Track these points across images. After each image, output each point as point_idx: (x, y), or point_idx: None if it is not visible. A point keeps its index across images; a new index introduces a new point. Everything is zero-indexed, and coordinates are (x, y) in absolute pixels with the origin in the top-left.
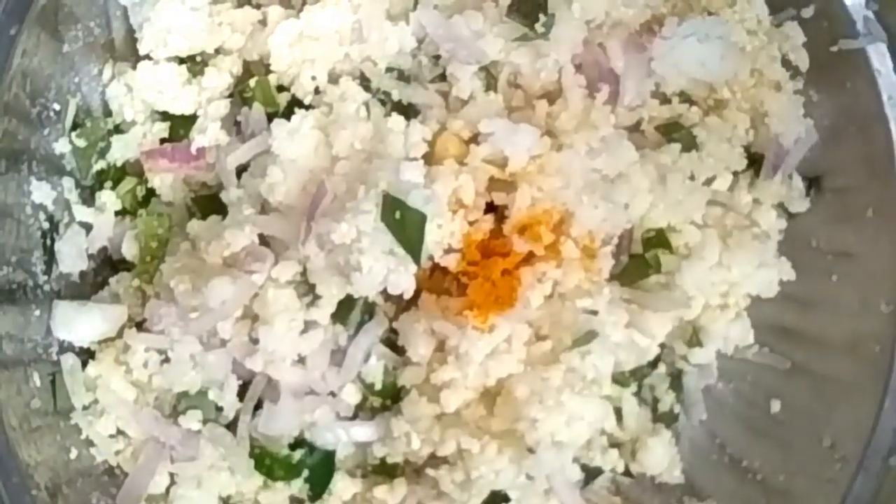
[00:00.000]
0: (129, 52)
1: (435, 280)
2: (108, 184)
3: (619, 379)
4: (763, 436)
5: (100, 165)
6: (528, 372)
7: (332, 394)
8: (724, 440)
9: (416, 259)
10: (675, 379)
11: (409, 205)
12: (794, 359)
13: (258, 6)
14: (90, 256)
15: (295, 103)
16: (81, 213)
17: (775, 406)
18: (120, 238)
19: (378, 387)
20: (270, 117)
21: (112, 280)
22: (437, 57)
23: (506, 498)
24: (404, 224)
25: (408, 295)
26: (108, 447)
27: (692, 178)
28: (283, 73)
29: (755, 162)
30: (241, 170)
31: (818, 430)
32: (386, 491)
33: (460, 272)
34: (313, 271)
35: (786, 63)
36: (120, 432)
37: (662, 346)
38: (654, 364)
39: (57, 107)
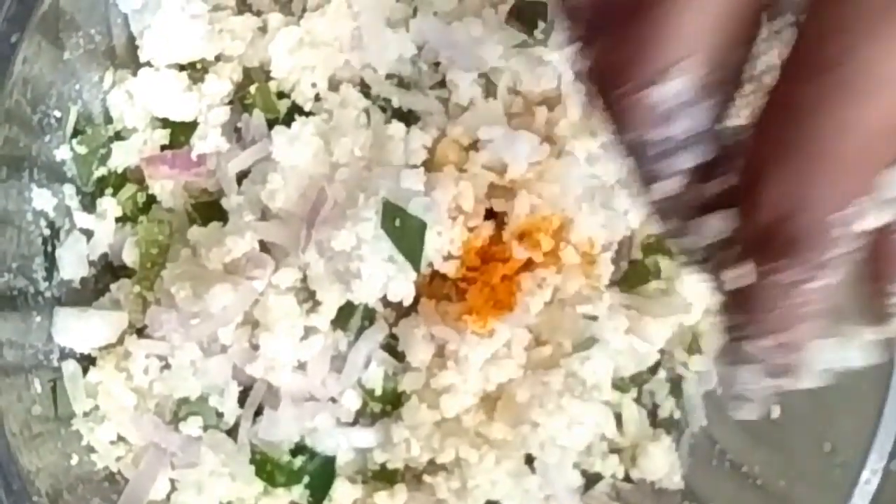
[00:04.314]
0: (129, 60)
1: (434, 286)
2: (109, 190)
3: (619, 384)
4: (763, 441)
5: (100, 172)
6: (529, 376)
7: (333, 399)
8: (724, 445)
9: (416, 266)
10: (675, 385)
11: (410, 212)
12: None
13: (258, 13)
14: (91, 263)
15: (295, 110)
16: (82, 219)
17: (775, 412)
18: (121, 244)
19: (378, 392)
20: (271, 124)
21: (113, 286)
22: (437, 63)
23: None
24: (404, 231)
25: (407, 301)
26: (109, 453)
27: None
28: (284, 80)
29: None
30: (241, 176)
31: (818, 436)
32: (386, 497)
33: (459, 278)
34: (313, 278)
35: None
36: (121, 438)
37: (662, 351)
38: (653, 370)
39: (58, 114)
